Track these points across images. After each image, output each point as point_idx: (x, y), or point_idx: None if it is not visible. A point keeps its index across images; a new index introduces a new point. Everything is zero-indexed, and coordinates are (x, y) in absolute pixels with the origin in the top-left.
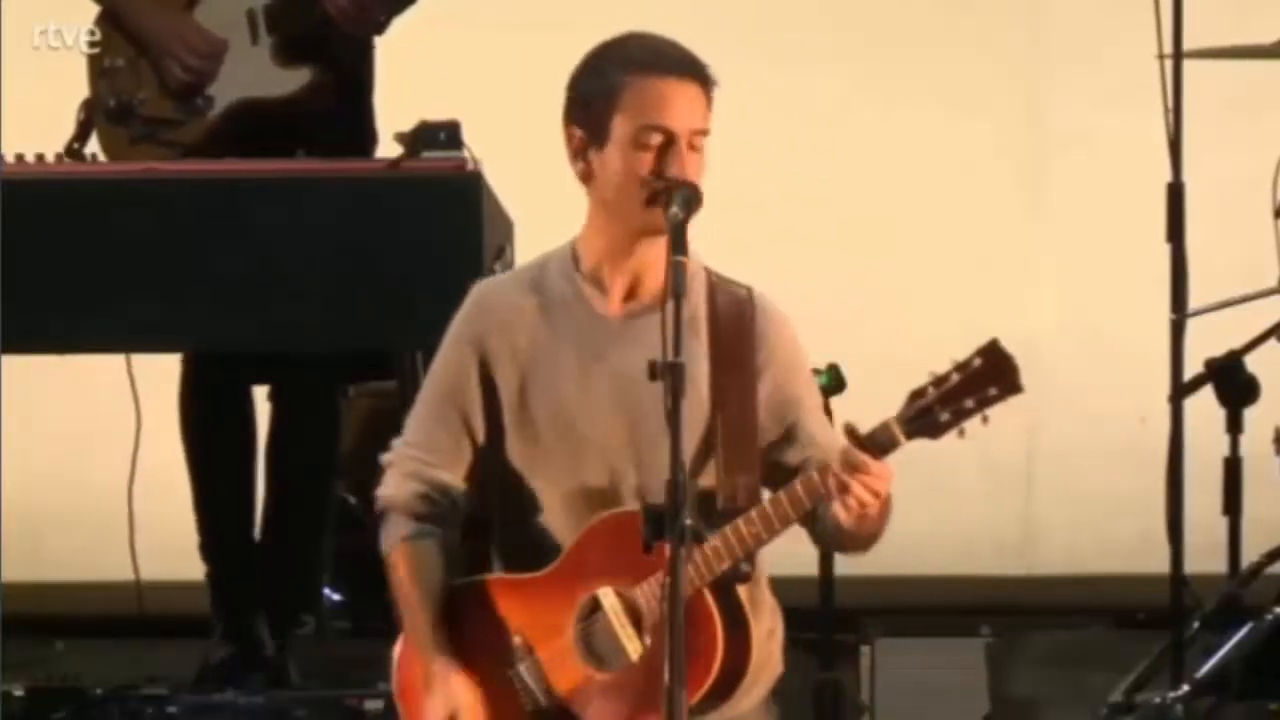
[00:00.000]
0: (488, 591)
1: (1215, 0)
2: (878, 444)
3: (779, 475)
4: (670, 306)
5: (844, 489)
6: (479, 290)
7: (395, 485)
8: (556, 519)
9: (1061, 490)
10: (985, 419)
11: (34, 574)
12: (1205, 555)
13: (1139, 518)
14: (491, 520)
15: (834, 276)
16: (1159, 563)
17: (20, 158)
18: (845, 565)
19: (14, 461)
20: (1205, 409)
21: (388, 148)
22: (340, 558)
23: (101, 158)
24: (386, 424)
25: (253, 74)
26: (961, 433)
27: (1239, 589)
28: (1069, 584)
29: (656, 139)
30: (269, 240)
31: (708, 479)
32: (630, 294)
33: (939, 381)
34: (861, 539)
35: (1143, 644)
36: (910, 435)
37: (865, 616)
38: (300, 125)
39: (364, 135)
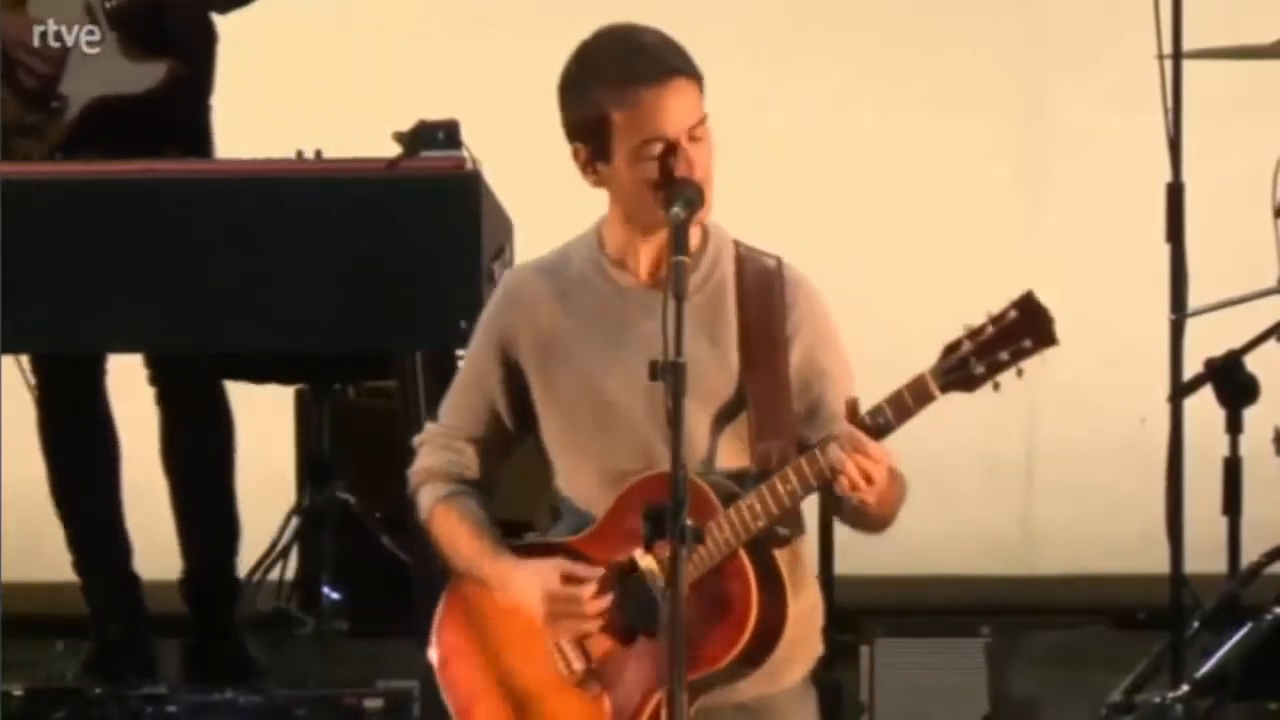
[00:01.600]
0: (524, 556)
1: (1215, 0)
2: (913, 399)
3: (802, 450)
4: (671, 307)
5: (838, 467)
6: (505, 278)
7: (429, 458)
8: (590, 491)
9: (1061, 490)
10: (1020, 372)
11: (34, 574)
12: (1205, 555)
13: (1139, 518)
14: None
15: (833, 276)
16: (1159, 563)
17: None
18: (845, 565)
19: (14, 461)
20: (1205, 409)
21: (387, 147)
22: (340, 558)
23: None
24: (387, 424)
25: (105, 71)
26: (996, 386)
27: (1239, 589)
28: (1069, 584)
29: (657, 148)
30: (267, 240)
31: (732, 439)
32: (656, 268)
33: (974, 334)
34: (872, 520)
35: (1143, 644)
36: (945, 388)
37: (865, 616)
38: (162, 119)
39: (205, 130)
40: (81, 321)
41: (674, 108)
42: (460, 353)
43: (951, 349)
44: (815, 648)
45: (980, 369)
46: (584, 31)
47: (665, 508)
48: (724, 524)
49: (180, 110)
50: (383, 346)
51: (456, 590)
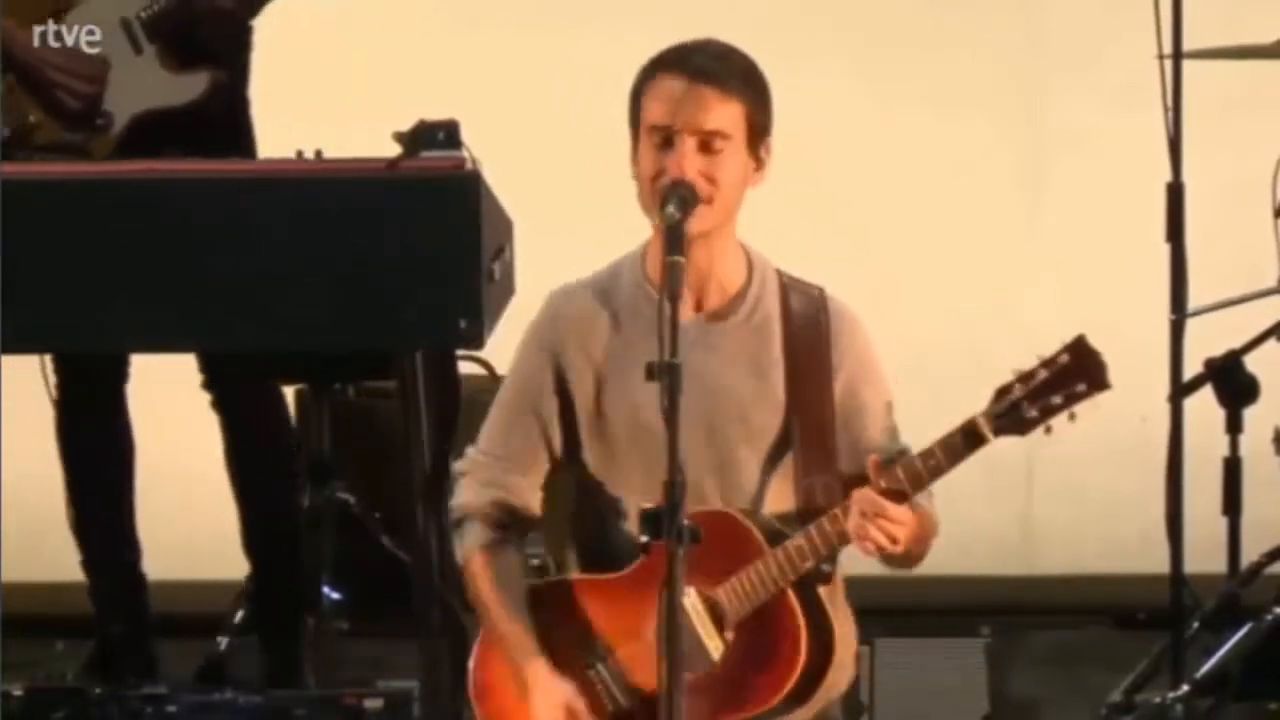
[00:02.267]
0: (569, 591)
1: (1215, 0)
2: (964, 443)
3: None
4: (666, 307)
5: (862, 533)
6: (553, 299)
7: (472, 492)
8: (634, 523)
9: (1061, 490)
10: (1072, 416)
11: (34, 574)
12: (1205, 555)
13: (1139, 518)
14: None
15: (833, 276)
16: (1159, 563)
17: None
18: (845, 565)
19: (14, 461)
20: (1205, 409)
21: (387, 147)
22: (340, 558)
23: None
24: (387, 424)
25: (147, 85)
26: (1048, 429)
27: (1239, 589)
28: (1069, 584)
29: (657, 137)
30: (267, 240)
31: (782, 480)
32: (700, 299)
33: (1026, 378)
34: (901, 563)
35: (1143, 644)
36: (998, 432)
37: (865, 616)
38: (205, 127)
39: (244, 131)
40: (81, 321)
41: (689, 103)
42: (460, 353)
43: (1003, 392)
44: (849, 672)
45: (1033, 413)
46: (584, 31)
47: (663, 509)
48: (771, 564)
49: (221, 117)
50: (383, 346)
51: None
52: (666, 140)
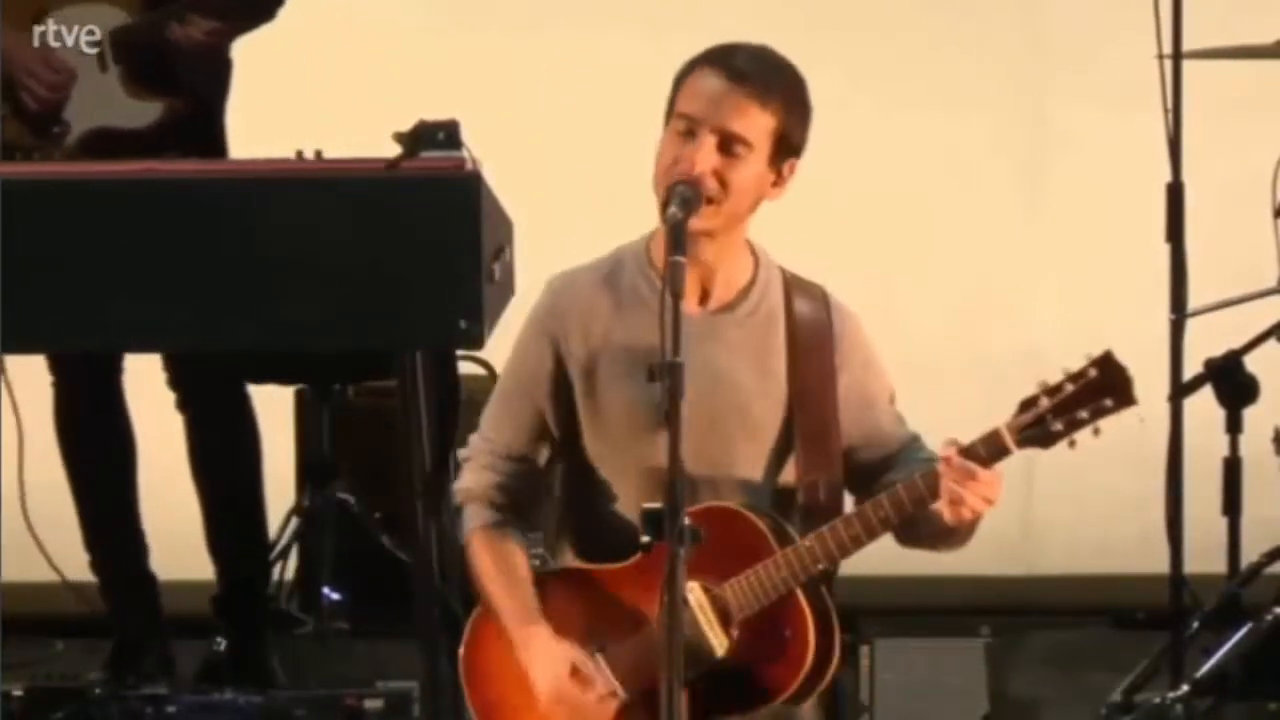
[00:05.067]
0: (571, 581)
1: (1215, 0)
2: (987, 453)
3: (859, 476)
4: (669, 306)
5: (957, 499)
6: (554, 284)
7: (473, 477)
8: (631, 511)
9: (1061, 490)
10: (1096, 431)
11: (34, 574)
12: (1205, 555)
13: (1139, 518)
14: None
15: (833, 276)
16: (1159, 563)
17: None
18: (845, 565)
19: (14, 461)
20: (1205, 409)
21: (387, 147)
22: (340, 558)
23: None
24: (387, 424)
25: (105, 102)
26: (1073, 443)
27: (1239, 589)
28: (1069, 584)
29: (682, 125)
30: (267, 240)
31: (785, 478)
32: (705, 293)
33: (1051, 391)
34: (959, 538)
35: (1142, 644)
36: (1022, 444)
37: (865, 616)
38: (163, 153)
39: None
40: (81, 321)
41: (719, 99)
42: (460, 353)
43: (1028, 404)
44: (835, 668)
45: (1058, 426)
46: (583, 32)
47: (664, 509)
48: (781, 564)
49: (183, 144)
50: (383, 346)
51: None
52: (690, 131)
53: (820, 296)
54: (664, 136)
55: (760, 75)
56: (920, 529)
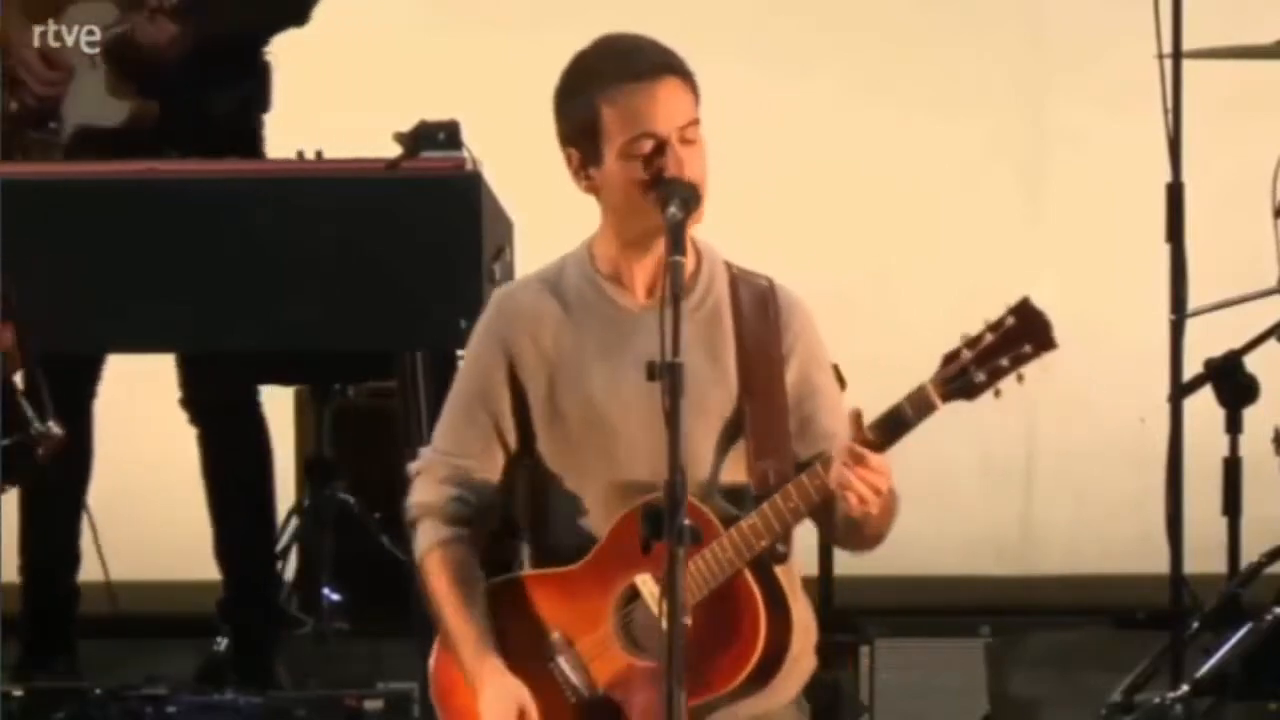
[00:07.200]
0: (523, 588)
1: (1215, 0)
2: (914, 411)
3: (799, 468)
4: (669, 306)
5: (845, 482)
6: (500, 295)
7: (427, 491)
8: (592, 516)
9: (1061, 490)
10: (1020, 377)
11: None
12: (1205, 555)
13: (1139, 518)
14: (518, 523)
15: (833, 276)
16: (1159, 563)
17: None
18: (845, 565)
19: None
20: (1205, 409)
21: (387, 147)
22: (340, 558)
23: None
24: (387, 424)
25: (91, 100)
26: (998, 393)
27: (1238, 589)
28: (1069, 584)
29: (647, 145)
30: (268, 240)
31: (735, 464)
32: (653, 287)
33: (973, 342)
34: (867, 536)
35: (1142, 644)
36: (947, 397)
37: (865, 616)
38: (134, 155)
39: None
40: (81, 322)
41: (664, 105)
42: (461, 353)
43: (951, 358)
44: (810, 663)
45: (981, 376)
46: (583, 32)
47: (663, 508)
48: (726, 545)
49: (152, 145)
50: (383, 346)
51: None
52: (656, 144)
53: (766, 288)
54: (618, 165)
55: (665, 56)
56: (833, 523)
